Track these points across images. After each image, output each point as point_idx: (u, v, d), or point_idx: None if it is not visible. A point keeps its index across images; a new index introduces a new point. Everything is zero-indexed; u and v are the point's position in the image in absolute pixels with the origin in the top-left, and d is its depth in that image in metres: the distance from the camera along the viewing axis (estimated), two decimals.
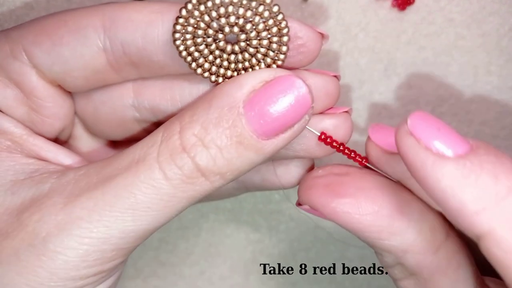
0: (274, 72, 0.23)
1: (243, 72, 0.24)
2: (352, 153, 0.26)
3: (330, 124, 0.25)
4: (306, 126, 0.24)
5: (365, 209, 0.24)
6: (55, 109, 0.26)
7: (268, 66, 0.24)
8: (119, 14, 0.24)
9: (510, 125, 0.34)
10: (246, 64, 0.24)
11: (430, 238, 0.24)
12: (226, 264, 0.39)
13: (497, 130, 0.35)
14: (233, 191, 0.30)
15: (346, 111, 0.26)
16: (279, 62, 0.24)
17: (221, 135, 0.22)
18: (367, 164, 0.26)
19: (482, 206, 0.18)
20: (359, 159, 0.25)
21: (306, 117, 0.23)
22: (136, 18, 0.23)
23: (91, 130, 0.29)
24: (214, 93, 0.23)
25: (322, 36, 0.24)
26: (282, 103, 0.22)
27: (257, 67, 0.24)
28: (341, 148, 0.25)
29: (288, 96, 0.22)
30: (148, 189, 0.22)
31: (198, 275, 0.39)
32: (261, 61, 0.23)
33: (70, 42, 0.24)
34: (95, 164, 0.24)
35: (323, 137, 0.25)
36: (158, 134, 0.23)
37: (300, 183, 0.27)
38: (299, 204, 0.26)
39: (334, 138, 0.25)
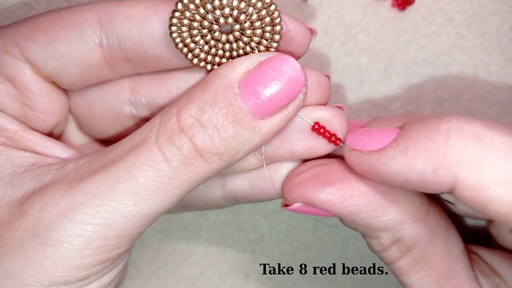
0: (268, 53, 0.24)
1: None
2: (343, 143, 0.26)
3: (324, 115, 0.25)
4: (300, 115, 0.25)
5: (358, 190, 0.24)
6: (49, 105, 0.26)
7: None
8: (115, 10, 0.24)
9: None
10: (241, 51, 0.24)
11: (418, 204, 0.25)
12: (226, 264, 0.39)
13: None
14: (222, 202, 0.30)
15: (339, 106, 0.26)
16: (272, 50, 0.24)
17: (217, 114, 0.23)
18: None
19: (433, 167, 0.21)
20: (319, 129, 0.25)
21: (300, 96, 0.24)
22: (132, 13, 0.24)
23: (84, 128, 0.29)
24: (210, 76, 0.24)
25: (311, 31, 0.25)
26: (276, 82, 0.23)
27: (251, 54, 0.24)
28: (333, 138, 0.25)
29: (281, 74, 0.23)
30: (148, 171, 0.22)
31: (198, 275, 0.39)
32: (255, 48, 0.24)
33: (66, 37, 0.24)
34: (96, 153, 0.24)
35: (316, 126, 0.25)
36: (156, 119, 0.23)
37: (283, 183, 0.27)
38: (285, 205, 0.26)
39: (328, 129, 0.25)
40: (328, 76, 0.26)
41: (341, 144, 0.25)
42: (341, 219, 0.26)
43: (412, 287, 0.25)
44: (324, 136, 0.25)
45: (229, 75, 0.23)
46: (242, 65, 0.23)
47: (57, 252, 0.22)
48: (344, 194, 0.24)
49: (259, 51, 0.24)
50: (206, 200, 0.30)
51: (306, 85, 0.24)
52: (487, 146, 0.20)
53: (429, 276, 0.25)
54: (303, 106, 0.25)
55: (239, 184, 0.28)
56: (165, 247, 0.39)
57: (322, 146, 0.26)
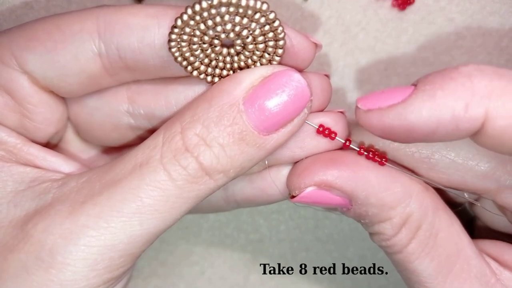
0: (272, 68, 0.23)
1: (239, 71, 0.24)
2: (354, 145, 0.25)
3: (326, 120, 0.25)
4: (306, 121, 0.24)
5: (366, 165, 0.24)
6: (48, 115, 0.26)
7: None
8: (114, 18, 0.23)
9: None
10: (242, 64, 0.24)
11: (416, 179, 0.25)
12: (226, 264, 0.39)
13: None
14: (224, 205, 0.29)
15: (341, 111, 0.26)
16: (275, 63, 0.24)
17: (223, 133, 0.22)
18: (367, 154, 0.25)
19: (464, 102, 0.21)
20: (362, 151, 0.25)
21: (305, 111, 0.23)
22: (132, 22, 0.23)
23: (83, 136, 0.28)
24: (213, 92, 0.23)
25: (316, 45, 0.25)
26: (282, 98, 0.23)
27: (253, 67, 0.24)
28: (342, 140, 0.25)
29: (287, 90, 0.23)
30: (154, 192, 0.22)
31: (198, 275, 0.39)
32: (257, 61, 0.24)
33: (64, 47, 0.24)
34: (97, 170, 0.24)
35: (321, 129, 0.25)
36: (158, 136, 0.23)
37: (289, 174, 0.26)
38: (293, 197, 0.25)
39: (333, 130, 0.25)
40: (327, 76, 0.26)
41: (337, 138, 0.25)
42: (352, 201, 0.25)
43: (423, 273, 0.25)
44: (331, 138, 0.25)
45: (234, 92, 0.23)
46: (246, 81, 0.23)
47: (62, 275, 0.22)
48: (355, 168, 0.24)
49: (261, 64, 0.24)
50: (208, 204, 0.29)
51: (311, 100, 0.23)
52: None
53: (439, 256, 0.25)
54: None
55: (240, 186, 0.28)
56: (165, 247, 0.39)
57: (324, 149, 0.26)
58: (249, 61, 0.24)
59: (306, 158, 0.26)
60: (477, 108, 0.20)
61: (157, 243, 0.38)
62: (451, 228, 0.25)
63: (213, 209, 0.30)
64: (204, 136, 0.22)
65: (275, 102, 0.22)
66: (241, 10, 0.22)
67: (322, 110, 0.26)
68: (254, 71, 0.23)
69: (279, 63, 0.24)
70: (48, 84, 0.25)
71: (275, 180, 0.27)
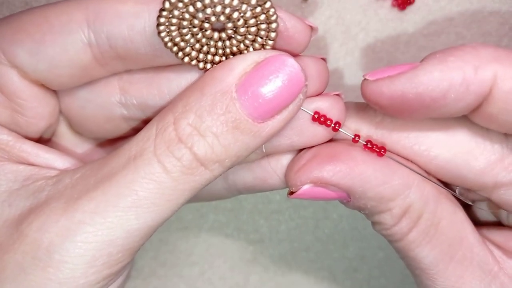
0: (264, 53, 0.23)
1: (231, 56, 0.23)
2: (349, 132, 0.25)
3: (322, 105, 0.25)
4: (302, 108, 0.24)
5: (362, 159, 0.24)
6: (39, 109, 0.25)
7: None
8: (103, 7, 0.23)
9: None
10: (234, 49, 0.23)
11: (417, 167, 0.25)
12: (226, 264, 0.39)
13: None
14: (225, 193, 0.29)
15: (338, 94, 0.26)
16: (268, 47, 0.23)
17: (216, 121, 0.22)
18: (362, 141, 0.25)
19: (473, 65, 0.22)
20: (357, 139, 0.25)
21: (300, 96, 0.23)
22: (121, 10, 0.23)
23: (77, 129, 0.28)
24: (205, 80, 0.23)
25: (311, 28, 0.24)
26: (275, 84, 0.22)
27: (245, 52, 0.23)
28: (336, 126, 0.25)
29: (280, 76, 0.22)
30: (149, 185, 0.22)
31: (198, 275, 0.39)
32: (249, 46, 0.23)
33: (53, 39, 0.23)
34: (91, 165, 0.23)
35: (316, 116, 0.24)
36: (152, 128, 0.23)
37: (287, 170, 0.26)
38: (291, 193, 0.25)
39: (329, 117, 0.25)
40: (324, 59, 0.26)
41: (340, 129, 0.25)
42: (351, 196, 0.25)
43: (425, 261, 0.25)
44: (327, 125, 0.25)
45: (226, 80, 0.22)
46: (239, 67, 0.22)
47: (60, 274, 0.21)
48: (351, 164, 0.24)
49: (254, 49, 0.23)
50: (208, 192, 0.29)
51: (306, 85, 0.23)
52: None
53: (441, 244, 0.24)
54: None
55: (241, 176, 0.28)
56: (165, 247, 0.39)
57: (322, 135, 0.25)
58: (242, 45, 0.23)
59: (304, 151, 0.26)
60: (486, 71, 0.21)
61: (157, 243, 0.38)
62: (454, 216, 0.25)
63: (214, 198, 0.30)
64: (197, 126, 0.22)
65: (268, 89, 0.22)
66: None
67: (319, 95, 0.25)
68: (246, 56, 0.23)
69: (273, 47, 0.23)
70: (38, 77, 0.24)
71: (276, 169, 0.27)
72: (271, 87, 0.22)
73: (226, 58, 0.23)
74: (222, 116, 0.22)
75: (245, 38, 0.23)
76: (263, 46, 0.23)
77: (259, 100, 0.22)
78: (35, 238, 0.22)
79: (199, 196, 0.29)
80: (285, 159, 0.27)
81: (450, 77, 0.22)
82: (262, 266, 0.38)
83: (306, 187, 0.25)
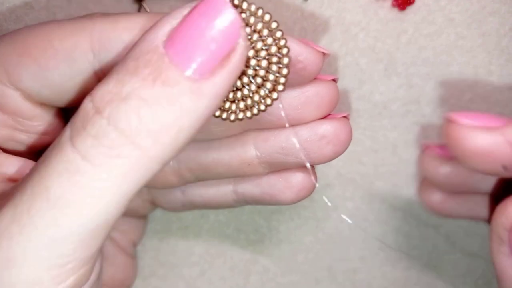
0: (192, 3, 0.19)
1: (242, 104, 0.22)
2: None
3: (330, 128, 0.24)
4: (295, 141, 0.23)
5: None
6: (41, 128, 0.25)
7: (269, 91, 0.21)
8: (108, 35, 0.22)
9: None
10: (245, 92, 0.21)
11: None
12: (226, 265, 0.39)
13: None
14: (233, 204, 0.29)
15: (345, 116, 0.25)
16: (280, 87, 0.21)
17: (143, 82, 0.18)
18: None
19: None
20: None
21: (240, 42, 0.19)
22: (127, 39, 0.22)
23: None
24: (133, 45, 0.20)
25: (323, 55, 0.23)
26: (206, 31, 0.18)
27: (256, 97, 0.21)
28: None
29: (210, 20, 0.19)
30: (62, 178, 0.17)
31: (198, 275, 0.39)
32: (261, 86, 0.21)
33: (58, 66, 0.22)
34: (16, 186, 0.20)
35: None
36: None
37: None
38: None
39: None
40: (335, 80, 0.24)
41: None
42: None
43: None
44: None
45: (152, 37, 0.19)
46: (166, 24, 0.19)
47: None
48: None
49: (264, 88, 0.21)
50: (218, 203, 0.29)
51: (244, 27, 0.19)
52: None
53: None
54: (306, 122, 0.24)
55: (249, 190, 0.28)
56: (165, 247, 0.39)
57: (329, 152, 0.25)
58: (253, 86, 0.21)
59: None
60: None
61: (157, 243, 0.38)
62: None
63: (222, 207, 0.30)
64: (118, 90, 0.18)
65: (199, 38, 0.18)
66: None
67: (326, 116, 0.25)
68: (172, 13, 0.19)
69: (285, 85, 0.21)
70: (42, 100, 0.24)
71: (284, 189, 0.26)
72: (202, 35, 0.18)
73: (237, 106, 0.22)
74: (150, 75, 0.18)
75: (256, 74, 0.21)
76: (274, 87, 0.21)
77: (191, 53, 0.18)
78: None
79: (208, 206, 0.29)
80: (294, 177, 0.26)
81: None
82: (262, 266, 0.38)
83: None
